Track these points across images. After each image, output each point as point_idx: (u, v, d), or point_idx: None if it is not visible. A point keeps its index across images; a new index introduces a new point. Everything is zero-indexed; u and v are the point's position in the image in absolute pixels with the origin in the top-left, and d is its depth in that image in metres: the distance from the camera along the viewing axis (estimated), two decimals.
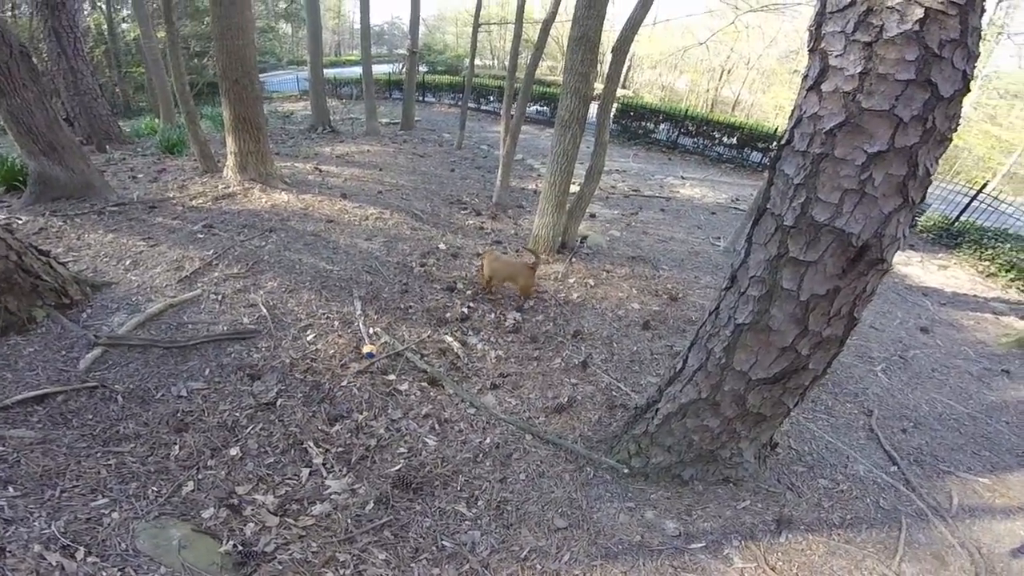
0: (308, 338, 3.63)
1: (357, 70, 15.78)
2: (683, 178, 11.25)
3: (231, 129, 6.22)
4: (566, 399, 3.42)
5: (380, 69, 19.64)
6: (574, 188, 5.54)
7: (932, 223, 9.73)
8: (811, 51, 1.76)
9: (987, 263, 8.39)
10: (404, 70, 13.72)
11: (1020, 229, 8.95)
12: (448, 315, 4.21)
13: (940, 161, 1.74)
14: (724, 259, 6.54)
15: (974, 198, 9.48)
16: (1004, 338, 5.80)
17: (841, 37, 1.65)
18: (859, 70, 1.61)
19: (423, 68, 22.50)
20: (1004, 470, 3.38)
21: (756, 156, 13.30)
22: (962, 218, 9.50)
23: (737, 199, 10.29)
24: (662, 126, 14.35)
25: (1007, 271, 8.01)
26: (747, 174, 12.63)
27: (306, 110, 13.91)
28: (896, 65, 1.54)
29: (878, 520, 2.78)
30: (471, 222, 6.66)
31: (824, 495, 2.89)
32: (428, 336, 3.90)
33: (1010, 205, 9.54)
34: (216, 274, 4.24)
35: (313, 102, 11.95)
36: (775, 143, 12.60)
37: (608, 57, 4.87)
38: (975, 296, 7.25)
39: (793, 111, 1.89)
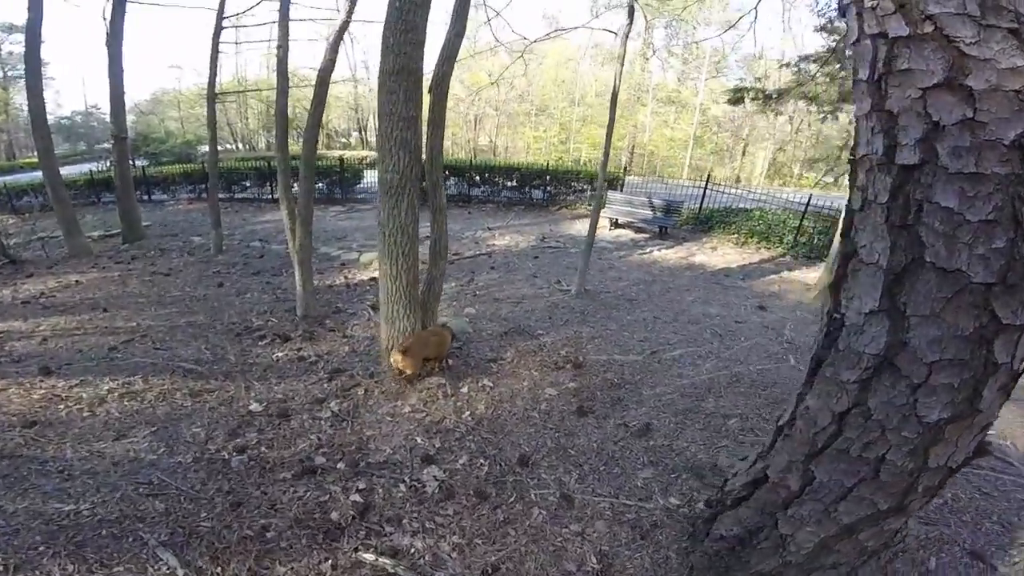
0: None
1: (39, 174, 11.55)
2: (490, 229, 11.11)
3: None
4: (598, 563, 2.23)
5: (78, 169, 14.89)
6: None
7: (687, 216, 11.81)
8: None
9: (735, 235, 10.59)
10: (112, 163, 10.34)
11: (731, 203, 11.66)
12: (335, 515, 2.52)
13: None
14: (579, 303, 6.21)
15: (706, 189, 11.94)
16: (810, 293, 7.26)
17: None
18: None
19: (142, 162, 17.95)
20: None
21: (537, 193, 14.27)
22: (704, 206, 11.82)
23: (544, 237, 10.58)
24: (451, 180, 14.28)
25: (751, 237, 10.31)
26: (537, 212, 13.34)
27: None
28: None
29: None
30: (281, 354, 4.79)
31: None
32: (331, 570, 2.18)
33: (722, 187, 12.39)
34: None
35: None
36: (547, 177, 13.87)
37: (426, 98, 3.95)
38: (751, 263, 9.01)
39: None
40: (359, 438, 3.19)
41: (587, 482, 2.88)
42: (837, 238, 6.86)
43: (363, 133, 30.55)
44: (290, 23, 5.93)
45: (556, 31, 8.22)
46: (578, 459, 3.07)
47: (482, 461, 3.00)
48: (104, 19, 8.81)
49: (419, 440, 3.19)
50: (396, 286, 3.95)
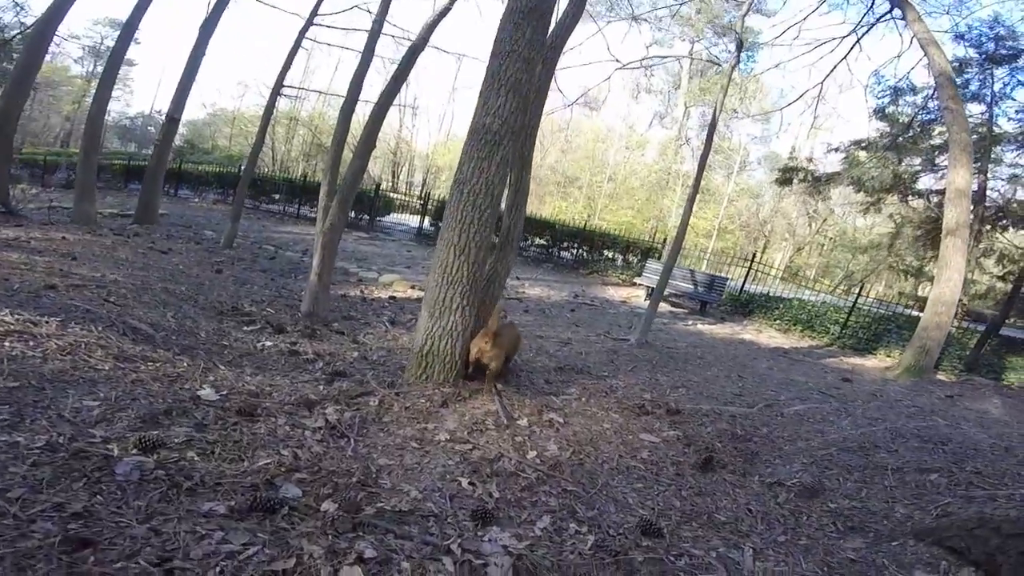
0: None
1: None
2: (519, 279, 10.11)
3: None
4: None
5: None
6: None
7: (727, 298, 10.85)
8: None
9: (777, 321, 9.70)
10: (155, 143, 9.83)
11: (770, 290, 11.03)
12: None
13: None
14: (643, 353, 4.98)
15: (750, 268, 11.13)
16: (890, 372, 6.52)
17: None
18: None
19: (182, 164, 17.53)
20: None
21: (567, 255, 13.46)
22: (744, 289, 10.99)
23: (576, 296, 9.58)
24: None
25: (795, 325, 9.47)
26: (566, 272, 12.41)
27: None
28: None
29: None
30: (269, 343, 3.55)
31: None
32: None
33: (765, 269, 11.62)
34: None
35: None
36: (581, 239, 13.08)
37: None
38: (802, 347, 8.01)
39: None
40: (364, 467, 1.88)
41: (771, 559, 1.61)
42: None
43: (395, 179, 30.82)
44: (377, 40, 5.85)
45: (651, 57, 7.77)
46: (737, 527, 1.80)
47: (577, 527, 1.67)
48: (208, 3, 8.72)
49: (464, 483, 1.88)
50: (459, 263, 2.81)
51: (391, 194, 17.56)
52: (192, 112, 30.99)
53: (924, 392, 5.32)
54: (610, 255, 13.38)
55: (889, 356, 7.74)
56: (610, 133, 28.25)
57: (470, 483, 1.89)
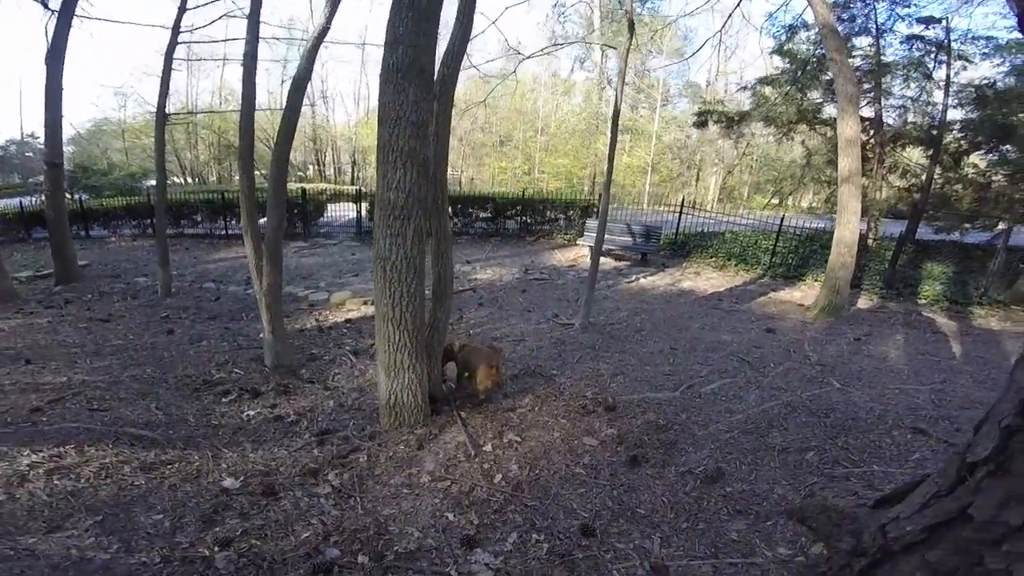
0: None
1: None
2: (469, 263, 10.66)
3: None
4: None
5: (12, 204, 13.40)
6: None
7: (665, 242, 11.96)
8: None
9: (713, 259, 10.88)
10: (44, 193, 9.26)
11: (703, 227, 11.95)
12: None
13: None
14: (588, 337, 5.81)
15: (680, 213, 12.19)
16: (810, 313, 7.42)
17: None
18: None
19: (80, 195, 16.34)
20: None
21: (512, 224, 14.01)
22: (680, 231, 12.03)
23: (527, 269, 10.27)
24: None
25: (729, 260, 10.61)
26: (514, 243, 13.03)
27: None
28: None
29: None
30: (252, 412, 4.08)
31: None
32: None
33: (696, 212, 12.60)
34: None
35: None
36: (521, 207, 13.63)
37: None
38: (737, 286, 9.10)
39: None
40: (375, 520, 2.57)
41: (674, 545, 2.37)
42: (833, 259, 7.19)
43: (321, 166, 29.79)
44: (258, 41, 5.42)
45: (554, 46, 8.16)
46: (652, 519, 2.56)
47: (536, 537, 2.44)
48: (46, 33, 8.01)
49: (451, 517, 2.61)
50: (400, 332, 3.36)
51: (321, 186, 17.26)
52: (76, 120, 28.34)
53: (836, 338, 6.20)
54: (552, 215, 14.03)
55: (816, 280, 8.78)
56: (536, 83, 28.19)
57: (454, 516, 2.62)
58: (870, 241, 10.13)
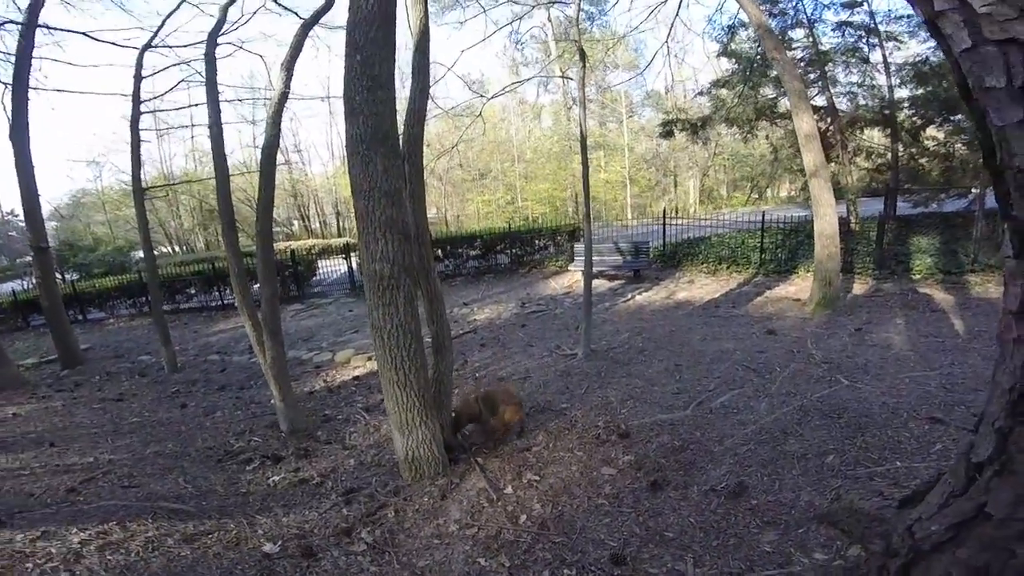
0: None
1: None
2: (466, 304, 10.90)
3: None
4: None
5: (1, 289, 13.63)
6: None
7: (655, 255, 12.23)
8: None
9: (704, 264, 11.12)
10: (36, 280, 9.49)
11: (689, 234, 12.36)
12: None
13: None
14: (591, 365, 6.00)
15: (664, 224, 12.57)
16: (807, 307, 7.60)
17: None
18: None
19: (71, 276, 16.55)
20: None
21: (503, 258, 14.33)
22: (667, 242, 12.34)
23: (524, 303, 10.49)
24: None
25: (720, 263, 10.85)
26: (508, 278, 13.32)
27: None
28: None
29: None
30: (276, 477, 4.23)
31: None
32: None
33: (678, 220, 13.10)
34: None
35: None
36: (508, 240, 13.96)
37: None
38: (731, 290, 9.33)
39: None
40: (412, 572, 2.72)
41: (707, 564, 2.52)
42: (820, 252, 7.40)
43: (305, 220, 30.29)
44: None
45: (513, 84, 8.63)
46: (681, 540, 2.72)
47: (568, 572, 2.59)
48: (4, 108, 8.23)
49: (483, 562, 2.76)
50: (407, 393, 3.51)
51: (309, 242, 17.62)
52: (53, 196, 28.78)
53: (837, 331, 6.34)
54: (541, 243, 14.39)
55: (808, 272, 8.90)
56: (505, 112, 29.14)
57: (486, 560, 2.78)
58: (853, 224, 10.38)
